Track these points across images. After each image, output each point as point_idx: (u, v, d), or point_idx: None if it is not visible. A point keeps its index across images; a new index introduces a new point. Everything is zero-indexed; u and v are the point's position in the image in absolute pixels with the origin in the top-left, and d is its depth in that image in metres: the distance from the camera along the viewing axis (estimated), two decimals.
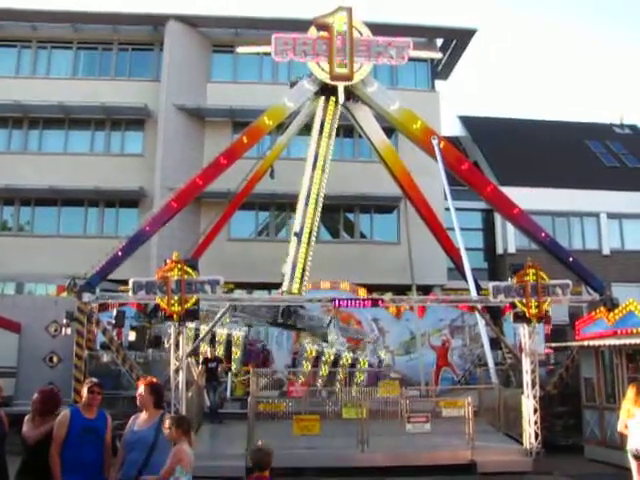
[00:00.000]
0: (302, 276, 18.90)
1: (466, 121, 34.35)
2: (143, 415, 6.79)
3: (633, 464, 9.96)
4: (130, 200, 27.21)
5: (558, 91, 73.98)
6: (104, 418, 6.93)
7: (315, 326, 20.57)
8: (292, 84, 21.32)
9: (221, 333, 20.16)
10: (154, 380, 7.12)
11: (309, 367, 19.85)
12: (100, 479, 6.68)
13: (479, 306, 17.59)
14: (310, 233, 19.31)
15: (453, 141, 26.57)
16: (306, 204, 19.52)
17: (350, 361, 20.15)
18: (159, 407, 6.90)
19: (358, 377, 19.86)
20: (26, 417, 7.20)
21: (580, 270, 18.85)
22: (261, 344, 21.73)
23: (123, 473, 6.58)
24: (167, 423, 6.36)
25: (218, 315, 18.02)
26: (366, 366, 20.32)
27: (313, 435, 13.27)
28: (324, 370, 19.79)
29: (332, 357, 20.00)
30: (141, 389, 6.84)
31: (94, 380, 7.19)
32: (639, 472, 9.85)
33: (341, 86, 19.98)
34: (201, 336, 18.24)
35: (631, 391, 10.24)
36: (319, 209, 19.75)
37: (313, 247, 19.36)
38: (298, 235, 19.19)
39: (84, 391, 6.98)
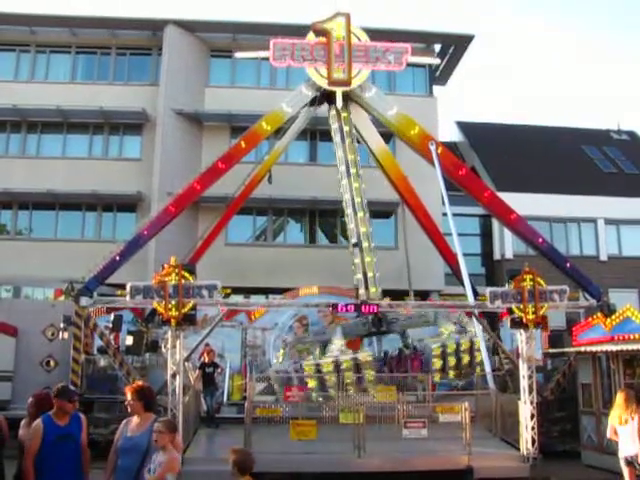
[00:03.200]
0: (375, 280, 19.40)
1: (463, 127, 34.42)
2: (135, 420, 6.73)
3: (625, 470, 9.99)
4: (128, 204, 27.20)
5: (555, 97, 74.26)
6: (78, 421, 6.86)
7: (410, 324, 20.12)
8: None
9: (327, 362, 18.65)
10: (140, 384, 7.04)
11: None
12: None
13: (476, 312, 17.60)
14: (368, 238, 19.69)
15: (450, 147, 26.60)
16: (354, 212, 19.74)
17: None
18: (150, 410, 6.82)
19: None
20: (22, 421, 7.21)
21: (577, 276, 18.87)
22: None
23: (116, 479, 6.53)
24: (158, 428, 6.30)
25: (214, 322, 18.03)
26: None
27: (310, 440, 13.23)
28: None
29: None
30: (129, 396, 6.77)
31: (72, 388, 7.14)
32: (631, 478, 9.88)
33: (339, 91, 20.02)
34: (197, 342, 18.24)
35: (620, 397, 10.27)
36: (367, 214, 20.10)
37: (375, 252, 19.83)
38: (358, 244, 19.60)
39: (56, 397, 6.83)
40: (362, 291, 19.44)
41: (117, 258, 17.38)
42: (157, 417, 6.84)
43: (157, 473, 6.08)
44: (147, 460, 6.36)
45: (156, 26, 28.29)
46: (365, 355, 18.49)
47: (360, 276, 19.64)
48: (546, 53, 76.91)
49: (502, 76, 78.06)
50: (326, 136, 24.63)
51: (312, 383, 18.09)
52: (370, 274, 19.52)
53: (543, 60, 76.75)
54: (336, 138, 20.61)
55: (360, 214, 19.87)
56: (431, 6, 74.93)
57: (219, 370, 18.28)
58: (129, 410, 6.80)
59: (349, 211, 20.03)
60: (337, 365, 18.11)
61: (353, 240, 19.92)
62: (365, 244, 19.73)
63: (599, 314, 15.88)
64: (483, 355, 18.47)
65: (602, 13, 77.48)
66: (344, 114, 20.55)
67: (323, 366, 18.16)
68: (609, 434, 10.44)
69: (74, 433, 6.73)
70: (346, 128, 20.55)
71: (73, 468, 6.58)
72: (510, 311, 14.51)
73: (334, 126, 20.73)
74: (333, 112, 20.72)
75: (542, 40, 76.68)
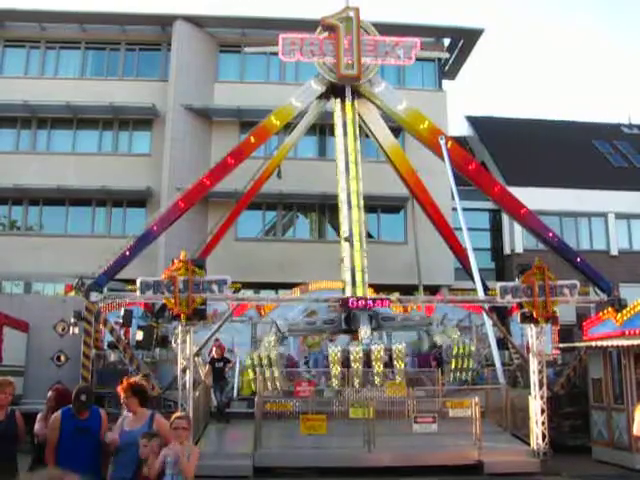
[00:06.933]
0: (363, 279, 18.81)
1: (473, 121, 34.27)
2: (131, 415, 6.77)
3: None
4: (138, 200, 27.27)
5: (566, 91, 73.85)
6: (98, 416, 6.86)
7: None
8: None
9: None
10: (132, 381, 7.03)
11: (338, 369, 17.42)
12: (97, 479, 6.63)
13: (486, 306, 17.56)
14: (360, 235, 19.25)
15: (460, 141, 26.51)
16: (349, 207, 19.46)
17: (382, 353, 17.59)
18: (144, 406, 6.86)
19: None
20: (38, 415, 7.27)
21: (588, 270, 18.80)
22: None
23: (115, 474, 6.56)
24: (182, 424, 6.40)
25: (224, 318, 18.06)
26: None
27: (320, 435, 13.25)
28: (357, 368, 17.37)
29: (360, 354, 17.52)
30: (122, 393, 6.80)
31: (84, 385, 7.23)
32: None
33: (348, 86, 19.98)
34: (207, 337, 18.28)
35: None
36: (363, 211, 19.77)
37: (366, 249, 19.28)
38: (349, 240, 19.14)
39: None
40: (349, 289, 18.80)
41: (127, 253, 17.45)
42: (154, 411, 6.90)
43: (190, 462, 6.21)
44: None
45: (165, 21, 28.33)
46: (400, 347, 17.61)
47: (348, 273, 18.97)
48: (557, 46, 76.55)
49: (512, 70, 77.73)
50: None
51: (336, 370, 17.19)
52: (358, 276, 18.81)
53: (554, 53, 76.36)
54: (337, 132, 20.39)
55: (355, 210, 19.44)
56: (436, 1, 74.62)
57: (230, 365, 18.29)
58: (124, 407, 6.84)
59: (344, 206, 19.61)
60: (367, 354, 17.18)
61: (345, 234, 19.34)
62: (356, 241, 19.09)
63: (610, 309, 15.80)
64: (493, 350, 18.46)
65: (613, 5, 76.98)
66: (348, 107, 20.37)
67: (353, 354, 17.11)
68: (636, 431, 10.14)
69: (93, 427, 6.75)
70: (349, 121, 20.20)
71: (89, 462, 6.56)
72: (520, 306, 14.49)
73: (338, 121, 20.54)
74: (338, 107, 20.53)
75: (553, 33, 76.30)
